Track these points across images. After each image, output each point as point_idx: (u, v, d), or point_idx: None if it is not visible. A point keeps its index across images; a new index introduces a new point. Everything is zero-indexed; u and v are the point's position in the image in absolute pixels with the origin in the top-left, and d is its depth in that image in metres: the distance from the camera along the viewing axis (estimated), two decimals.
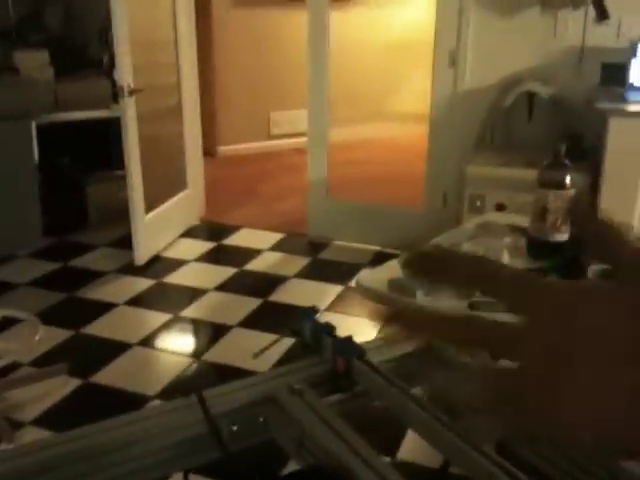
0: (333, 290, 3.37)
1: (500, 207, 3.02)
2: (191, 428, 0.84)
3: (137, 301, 3.30)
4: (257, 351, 1.13)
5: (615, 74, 3.14)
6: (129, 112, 3.40)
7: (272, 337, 2.85)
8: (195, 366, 2.75)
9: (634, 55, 3.07)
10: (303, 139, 4.08)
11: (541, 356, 0.35)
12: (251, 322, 3.07)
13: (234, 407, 0.89)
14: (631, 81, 3.08)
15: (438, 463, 0.90)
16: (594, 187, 2.98)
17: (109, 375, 2.66)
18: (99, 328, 3.02)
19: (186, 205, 4.16)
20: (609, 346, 0.33)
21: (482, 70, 3.48)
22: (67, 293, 3.34)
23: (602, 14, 3.13)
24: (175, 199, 4.02)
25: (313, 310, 1.07)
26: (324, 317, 3.10)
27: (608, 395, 0.33)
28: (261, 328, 2.98)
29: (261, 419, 0.88)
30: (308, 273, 3.64)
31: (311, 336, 1.02)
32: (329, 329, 1.00)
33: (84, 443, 0.78)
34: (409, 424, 0.87)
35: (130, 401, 2.45)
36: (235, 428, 0.86)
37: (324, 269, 3.67)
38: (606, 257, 0.39)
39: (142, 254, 3.62)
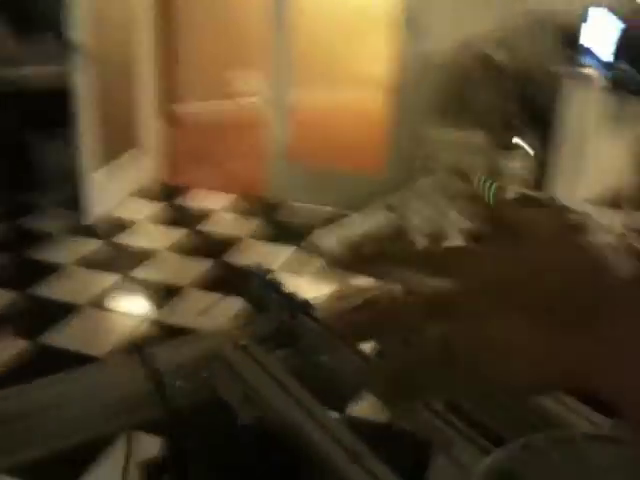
0: (287, 251, 3.36)
1: (455, 169, 3.04)
2: (132, 384, 0.82)
3: (86, 262, 3.23)
4: (202, 309, 1.11)
5: (569, 38, 3.15)
6: (79, 68, 3.29)
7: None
8: (146, 326, 2.72)
9: (585, 20, 3.10)
10: (261, 99, 4.01)
11: (474, 316, 0.38)
12: (203, 283, 3.05)
13: (178, 363, 0.87)
14: (583, 45, 3.11)
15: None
16: (546, 148, 3.02)
17: (57, 336, 2.62)
18: (47, 289, 2.96)
19: (137, 164, 4.07)
20: (525, 299, 0.37)
21: (439, 34, 3.46)
22: (13, 254, 3.25)
23: None
24: (125, 158, 3.93)
25: (259, 267, 1.05)
26: (278, 277, 3.08)
27: (530, 342, 0.36)
28: (214, 289, 2.96)
29: (206, 375, 0.87)
30: (262, 234, 3.62)
31: (257, 293, 1.01)
32: (275, 286, 0.98)
33: (17, 402, 0.76)
34: (355, 379, 0.87)
35: (80, 362, 2.41)
36: (179, 384, 0.85)
37: (278, 230, 3.66)
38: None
39: (91, 214, 3.54)
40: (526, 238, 0.41)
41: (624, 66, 0.68)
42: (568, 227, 0.43)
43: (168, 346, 0.92)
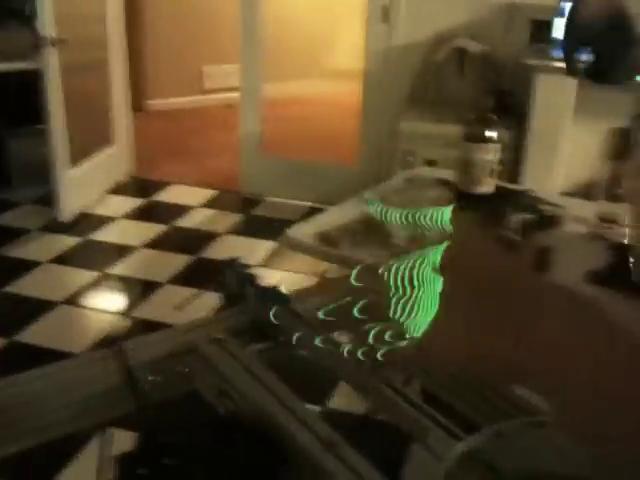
0: (265, 246, 3.35)
1: (431, 162, 3.05)
2: (107, 380, 0.81)
3: (62, 259, 3.20)
4: (178, 303, 1.11)
5: (543, 31, 3.17)
6: (51, 63, 3.25)
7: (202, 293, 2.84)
8: (123, 323, 2.71)
9: (560, 13, 3.12)
10: (236, 94, 4.00)
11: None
12: (181, 279, 3.03)
13: (154, 358, 0.87)
14: (556, 37, 3.13)
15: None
16: (520, 141, 3.04)
17: (34, 334, 2.59)
18: (22, 287, 2.93)
19: (113, 160, 4.04)
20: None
21: (414, 26, 3.47)
22: None
23: None
24: (101, 154, 3.89)
25: (236, 261, 1.05)
26: (257, 273, 3.08)
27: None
28: (192, 284, 2.94)
29: (182, 369, 0.87)
30: (240, 229, 3.61)
31: (234, 287, 1.01)
32: (252, 279, 0.98)
33: None
34: (334, 372, 0.87)
35: (57, 359, 2.39)
36: (155, 379, 0.85)
37: (256, 225, 3.65)
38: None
39: (66, 210, 3.51)
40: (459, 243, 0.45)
41: (585, 55, 0.68)
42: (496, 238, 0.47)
43: (144, 341, 0.92)
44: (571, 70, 0.68)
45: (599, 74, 0.69)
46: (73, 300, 2.85)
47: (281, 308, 0.91)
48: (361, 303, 0.49)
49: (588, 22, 0.65)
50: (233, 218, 3.72)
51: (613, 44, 0.65)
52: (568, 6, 0.69)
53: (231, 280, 1.03)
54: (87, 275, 3.05)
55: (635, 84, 0.69)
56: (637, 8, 0.63)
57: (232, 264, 1.06)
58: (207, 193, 4.00)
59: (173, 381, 0.89)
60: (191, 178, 4.19)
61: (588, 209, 1.46)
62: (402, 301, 0.45)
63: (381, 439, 1.03)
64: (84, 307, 2.84)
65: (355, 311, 0.50)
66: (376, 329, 0.48)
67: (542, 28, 3.03)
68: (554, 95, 2.79)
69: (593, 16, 0.64)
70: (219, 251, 3.31)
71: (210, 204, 3.89)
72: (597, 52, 0.68)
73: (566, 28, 0.69)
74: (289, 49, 5.43)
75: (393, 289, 0.46)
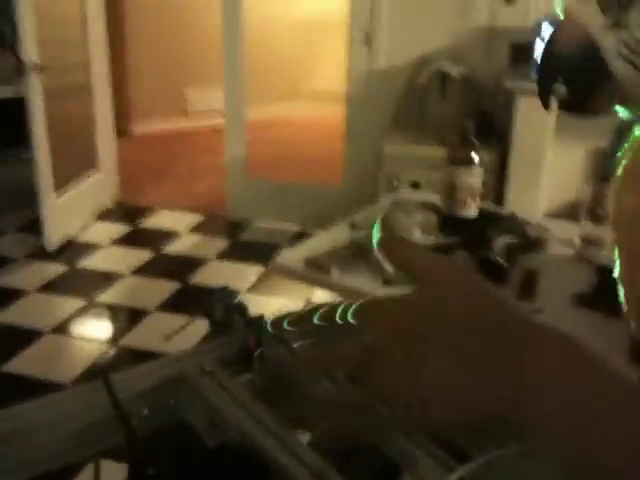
0: (254, 271, 3.35)
1: (415, 185, 3.07)
2: (97, 412, 0.81)
3: (49, 287, 3.18)
4: (168, 333, 1.11)
5: (523, 54, 3.22)
6: (34, 89, 3.25)
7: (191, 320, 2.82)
8: (112, 352, 2.69)
9: (539, 35, 3.17)
10: (221, 117, 4.02)
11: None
12: (170, 306, 3.02)
13: (143, 389, 0.87)
14: (536, 60, 3.18)
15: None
16: (503, 164, 3.07)
17: (21, 364, 2.57)
18: (9, 316, 2.91)
19: (98, 187, 4.03)
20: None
21: (396, 49, 3.52)
22: None
23: None
24: (86, 181, 3.89)
25: (225, 290, 1.05)
26: (245, 298, 3.08)
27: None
28: (180, 311, 2.93)
29: (172, 401, 0.87)
30: (228, 254, 3.60)
31: (222, 316, 1.01)
32: (241, 308, 0.99)
33: None
34: (320, 398, 0.87)
35: (44, 390, 2.36)
36: (145, 411, 0.85)
37: (244, 250, 3.65)
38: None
39: (53, 238, 3.49)
40: (425, 280, 0.43)
41: (559, 87, 0.69)
42: (467, 269, 0.45)
43: (133, 372, 0.92)
44: (545, 103, 0.69)
45: (573, 106, 0.70)
46: (60, 329, 2.83)
47: (270, 338, 0.92)
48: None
49: (562, 54, 0.66)
50: (220, 243, 3.72)
51: (587, 76, 0.67)
52: (540, 39, 0.71)
53: (218, 309, 1.03)
54: (74, 303, 3.03)
55: (611, 115, 0.70)
56: (611, 40, 0.65)
57: (220, 292, 1.06)
58: (194, 218, 4.00)
59: (163, 413, 0.89)
60: (177, 203, 4.19)
61: (572, 231, 1.48)
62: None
63: (374, 467, 1.02)
64: (72, 336, 2.82)
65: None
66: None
67: (522, 51, 3.08)
68: (535, 117, 2.83)
69: (567, 49, 0.66)
70: (207, 277, 3.30)
71: (197, 229, 3.88)
72: (571, 84, 0.69)
73: (539, 61, 0.70)
74: (273, 72, 5.47)
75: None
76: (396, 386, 0.41)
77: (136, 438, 0.76)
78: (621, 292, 0.73)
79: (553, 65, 0.69)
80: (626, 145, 0.73)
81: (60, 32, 3.63)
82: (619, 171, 0.73)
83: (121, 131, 5.10)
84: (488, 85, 3.38)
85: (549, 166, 3.07)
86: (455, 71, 3.37)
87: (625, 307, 0.73)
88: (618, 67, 0.64)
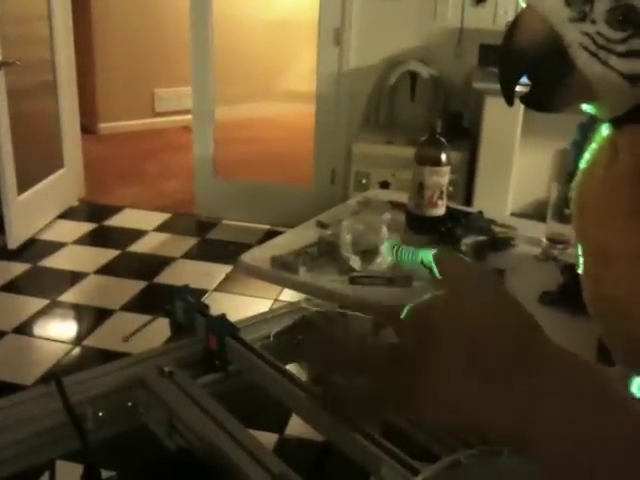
0: (221, 270, 3.31)
1: (384, 184, 3.07)
2: (50, 417, 0.78)
3: (11, 287, 3.11)
4: (128, 334, 1.08)
5: (492, 55, 3.24)
6: None
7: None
8: (75, 352, 2.63)
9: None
10: (190, 117, 3.97)
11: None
12: (135, 305, 2.97)
13: (100, 392, 0.84)
14: None
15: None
16: (472, 164, 3.09)
17: None
18: None
19: (63, 185, 3.95)
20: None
21: (366, 49, 3.51)
22: None
23: None
24: (50, 179, 3.81)
25: (186, 289, 1.03)
26: (212, 298, 3.05)
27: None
28: (145, 311, 2.88)
29: (130, 404, 0.84)
30: (196, 253, 3.56)
31: (184, 316, 0.99)
32: (202, 308, 0.96)
33: None
34: (284, 401, 0.85)
35: (6, 391, 2.30)
36: (101, 414, 0.82)
37: (212, 249, 3.61)
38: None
39: (15, 237, 3.42)
40: (448, 287, 0.43)
41: (522, 83, 0.68)
42: (490, 275, 0.45)
43: (90, 374, 0.89)
44: (507, 97, 0.68)
45: (536, 102, 0.69)
46: (23, 329, 2.77)
47: (230, 338, 0.89)
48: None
49: (522, 47, 0.65)
50: (188, 242, 3.68)
51: (549, 71, 0.66)
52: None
53: (180, 309, 1.01)
54: (37, 303, 2.96)
55: (577, 111, 0.69)
56: (575, 34, 0.64)
57: (182, 293, 1.04)
58: (161, 217, 3.95)
59: (121, 415, 0.86)
60: (145, 202, 4.13)
61: (539, 230, 1.48)
62: None
63: (340, 470, 1.01)
64: (34, 336, 2.76)
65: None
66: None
67: (491, 52, 3.09)
68: (503, 117, 2.84)
69: (527, 41, 0.65)
70: (174, 276, 3.26)
71: (164, 228, 3.83)
72: (532, 79, 0.68)
73: (501, 56, 0.69)
74: (244, 72, 5.44)
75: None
76: (404, 384, 0.42)
77: (88, 442, 0.73)
78: (585, 290, 0.72)
79: (514, 58, 0.68)
80: (591, 143, 0.72)
81: (25, 28, 3.56)
82: (582, 169, 0.72)
83: (89, 129, 5.03)
84: (458, 86, 3.40)
85: (517, 166, 3.09)
86: (425, 71, 3.37)
87: (589, 306, 0.72)
88: (583, 61, 0.63)
